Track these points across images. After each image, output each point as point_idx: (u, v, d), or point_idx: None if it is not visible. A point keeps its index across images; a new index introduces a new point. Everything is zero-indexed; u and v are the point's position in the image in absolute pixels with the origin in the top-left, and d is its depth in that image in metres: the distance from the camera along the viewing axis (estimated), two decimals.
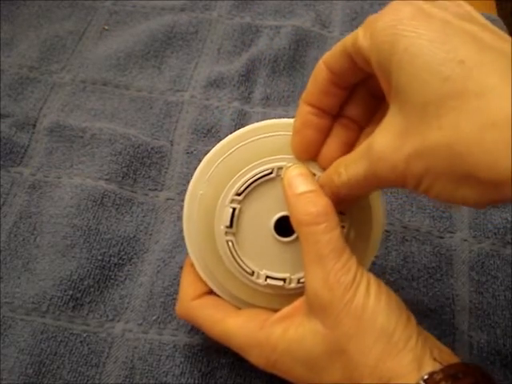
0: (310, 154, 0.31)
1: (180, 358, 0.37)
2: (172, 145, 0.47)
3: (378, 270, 0.41)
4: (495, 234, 0.43)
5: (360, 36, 0.26)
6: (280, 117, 0.48)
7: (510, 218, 0.44)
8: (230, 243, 0.32)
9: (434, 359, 0.26)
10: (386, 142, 0.25)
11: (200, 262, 0.34)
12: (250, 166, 0.32)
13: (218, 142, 0.33)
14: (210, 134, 0.47)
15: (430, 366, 0.26)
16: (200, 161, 0.45)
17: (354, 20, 0.57)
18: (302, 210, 0.30)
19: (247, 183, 0.32)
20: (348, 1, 0.58)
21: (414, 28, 0.24)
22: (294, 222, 0.30)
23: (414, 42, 0.24)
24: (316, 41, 0.54)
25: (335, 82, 0.29)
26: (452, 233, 0.43)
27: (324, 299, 0.28)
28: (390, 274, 0.41)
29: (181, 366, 0.36)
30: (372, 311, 0.27)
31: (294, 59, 0.53)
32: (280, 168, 0.32)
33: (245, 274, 0.33)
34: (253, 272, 0.33)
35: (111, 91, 0.50)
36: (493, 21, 0.56)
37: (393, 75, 0.24)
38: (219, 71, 0.51)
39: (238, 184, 0.32)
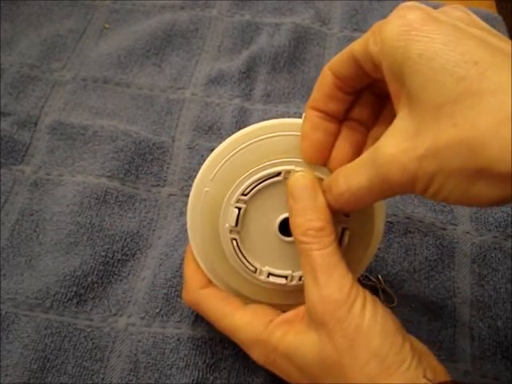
0: (319, 158, 0.31)
1: (184, 350, 0.37)
2: (174, 140, 0.47)
3: (380, 262, 0.41)
4: (497, 227, 0.43)
5: (370, 42, 0.27)
6: (281, 113, 0.49)
7: (511, 212, 0.44)
8: (235, 242, 0.32)
9: (426, 378, 0.27)
10: (396, 144, 0.25)
11: (203, 257, 0.34)
12: (258, 166, 0.32)
13: (220, 139, 0.33)
14: (212, 132, 0.47)
15: None
16: (203, 156, 0.45)
17: (354, 17, 0.57)
18: (299, 223, 0.30)
19: (254, 184, 0.32)
20: None
21: (427, 33, 0.24)
22: (292, 230, 0.31)
23: (429, 46, 0.24)
24: (316, 38, 0.55)
25: (341, 87, 0.30)
26: (454, 225, 0.43)
27: (318, 313, 0.28)
28: (391, 266, 0.41)
29: (185, 358, 0.36)
30: (366, 332, 0.27)
31: (293, 56, 0.53)
32: (288, 172, 0.31)
33: (248, 271, 0.33)
34: (256, 269, 0.33)
35: (112, 89, 0.50)
36: (492, 18, 0.57)
37: (406, 79, 0.25)
38: (220, 68, 0.52)
39: (245, 184, 0.32)
